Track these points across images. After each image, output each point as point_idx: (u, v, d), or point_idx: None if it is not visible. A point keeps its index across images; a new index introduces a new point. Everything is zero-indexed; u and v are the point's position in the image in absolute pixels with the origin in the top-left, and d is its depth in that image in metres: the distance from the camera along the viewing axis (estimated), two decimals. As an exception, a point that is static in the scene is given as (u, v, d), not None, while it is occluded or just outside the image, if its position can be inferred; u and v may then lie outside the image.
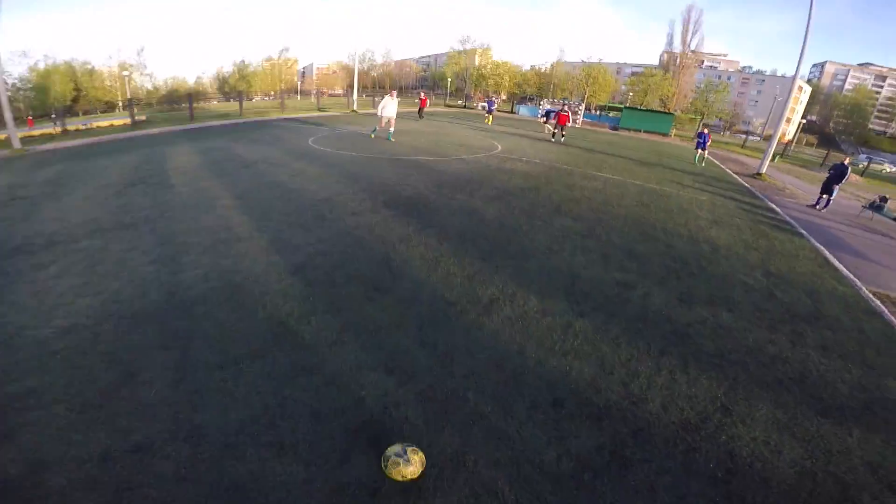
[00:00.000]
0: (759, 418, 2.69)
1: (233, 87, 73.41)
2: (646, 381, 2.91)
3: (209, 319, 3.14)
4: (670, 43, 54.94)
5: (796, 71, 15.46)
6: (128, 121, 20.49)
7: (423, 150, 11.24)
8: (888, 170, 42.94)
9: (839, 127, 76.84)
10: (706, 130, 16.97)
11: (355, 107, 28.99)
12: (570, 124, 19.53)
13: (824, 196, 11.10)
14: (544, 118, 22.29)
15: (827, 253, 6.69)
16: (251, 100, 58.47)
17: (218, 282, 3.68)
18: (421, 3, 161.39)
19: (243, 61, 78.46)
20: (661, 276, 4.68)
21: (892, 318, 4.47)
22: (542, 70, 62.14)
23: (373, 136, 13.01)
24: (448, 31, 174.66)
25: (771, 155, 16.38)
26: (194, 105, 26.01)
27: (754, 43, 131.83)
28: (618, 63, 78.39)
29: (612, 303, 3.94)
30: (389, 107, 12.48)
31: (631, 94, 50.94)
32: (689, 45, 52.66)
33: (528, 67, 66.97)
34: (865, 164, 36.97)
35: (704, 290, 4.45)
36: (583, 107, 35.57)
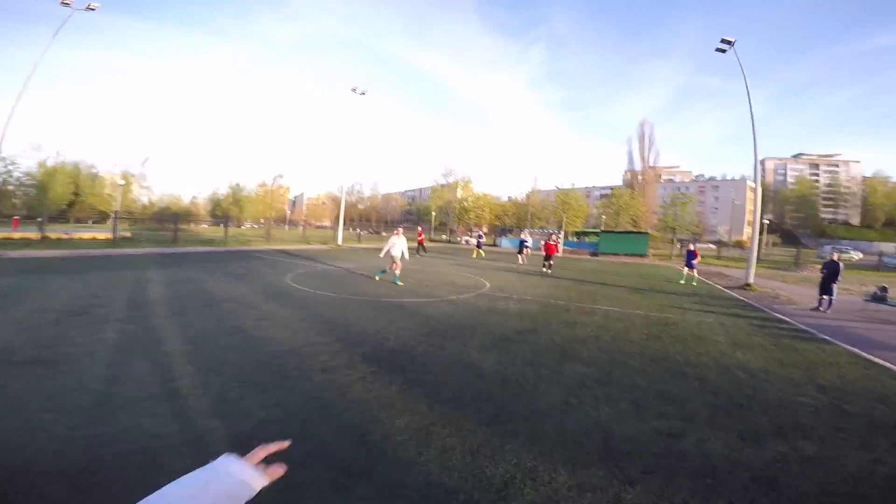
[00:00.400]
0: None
1: (225, 210, 73.97)
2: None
3: (98, 495, 2.37)
4: (631, 161, 60.53)
5: (756, 177, 16.60)
6: (111, 235, 20.13)
7: (407, 290, 10.73)
8: (856, 258, 44.30)
9: (795, 222, 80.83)
10: (692, 248, 17.13)
11: (340, 241, 29.84)
12: (557, 254, 19.64)
13: (824, 297, 10.86)
14: (518, 250, 22.56)
15: (864, 354, 6.36)
16: (240, 226, 58.53)
17: (129, 446, 2.88)
18: (406, 137, 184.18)
19: (238, 184, 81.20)
20: (707, 415, 3.87)
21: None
22: (519, 200, 65.32)
23: (401, 283, 11.48)
24: (430, 165, 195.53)
25: (754, 264, 16.55)
26: (183, 226, 26.07)
27: (697, 150, 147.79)
28: (587, 187, 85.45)
29: (663, 460, 3.05)
30: (398, 245, 11.53)
31: (604, 216, 53.99)
32: (647, 161, 58.03)
33: (506, 198, 71.16)
34: (846, 254, 38.43)
35: (765, 421, 3.76)
36: (562, 234, 37.24)
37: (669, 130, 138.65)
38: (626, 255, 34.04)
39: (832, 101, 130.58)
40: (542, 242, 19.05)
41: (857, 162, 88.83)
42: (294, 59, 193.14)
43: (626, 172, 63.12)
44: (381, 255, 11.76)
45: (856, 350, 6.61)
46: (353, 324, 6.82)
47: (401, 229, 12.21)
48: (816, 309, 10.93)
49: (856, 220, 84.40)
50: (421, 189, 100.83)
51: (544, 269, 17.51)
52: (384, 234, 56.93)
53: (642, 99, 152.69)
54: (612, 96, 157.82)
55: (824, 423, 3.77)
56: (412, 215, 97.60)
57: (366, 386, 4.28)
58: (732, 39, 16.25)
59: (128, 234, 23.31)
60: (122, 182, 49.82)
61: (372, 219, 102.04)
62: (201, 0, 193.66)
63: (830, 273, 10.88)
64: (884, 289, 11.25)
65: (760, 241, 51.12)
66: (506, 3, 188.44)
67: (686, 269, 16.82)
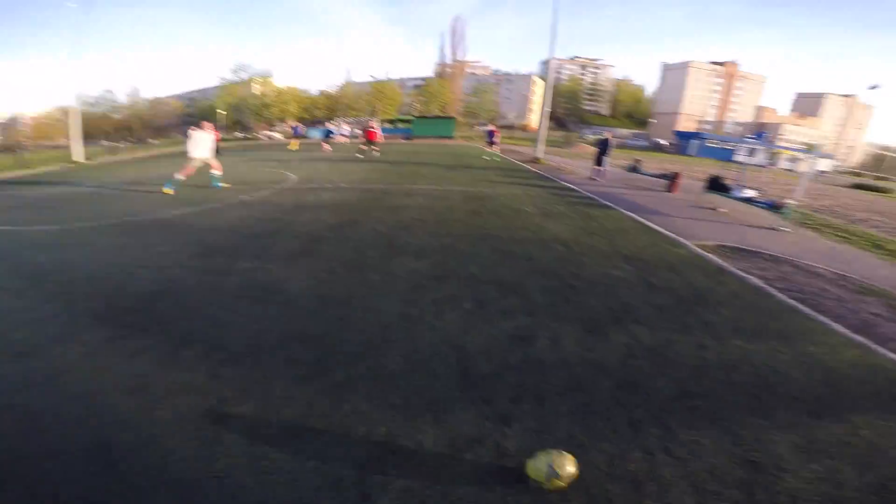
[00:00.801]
0: (782, 444, 2.12)
1: None
2: (651, 474, 1.91)
3: None
4: (442, 54, 61.70)
5: (550, 73, 17.92)
6: None
7: (180, 199, 8.08)
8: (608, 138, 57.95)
9: (565, 111, 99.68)
10: (494, 128, 18.78)
11: (81, 157, 21.84)
12: (379, 139, 19.48)
13: (598, 168, 12.94)
14: (323, 138, 22.57)
15: (640, 218, 7.31)
16: None
17: None
18: (187, 38, 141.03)
19: None
20: (547, 304, 3.65)
21: (738, 270, 4.83)
22: (332, 93, 61.39)
23: (170, 191, 8.67)
24: (218, 63, 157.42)
25: (543, 142, 18.78)
26: None
27: (494, 48, 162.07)
28: (401, 78, 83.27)
29: (527, 378, 2.60)
30: (203, 144, 8.91)
31: (416, 104, 54.73)
32: (457, 55, 59.92)
33: (318, 92, 65.15)
34: (593, 136, 49.03)
35: (597, 304, 3.69)
36: (377, 122, 36.44)
37: (473, 29, 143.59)
38: (436, 137, 36.13)
39: (601, 13, 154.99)
40: (362, 130, 19.43)
41: (613, 66, 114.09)
42: None
43: (437, 65, 64.29)
44: (191, 155, 8.88)
45: (633, 215, 7.61)
46: (81, 265, 4.51)
47: (206, 124, 9.28)
48: (592, 178, 13.02)
49: (606, 112, 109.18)
50: (204, 90, 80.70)
51: (359, 155, 17.64)
52: (153, 141, 44.94)
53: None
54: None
55: (644, 302, 3.77)
56: (193, 118, 78.64)
57: (97, 365, 2.67)
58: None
59: None
60: None
61: (135, 128, 78.83)
62: None
63: (603, 148, 13.05)
64: (638, 161, 14.41)
65: (543, 125, 60.76)
66: None
67: (489, 146, 18.44)
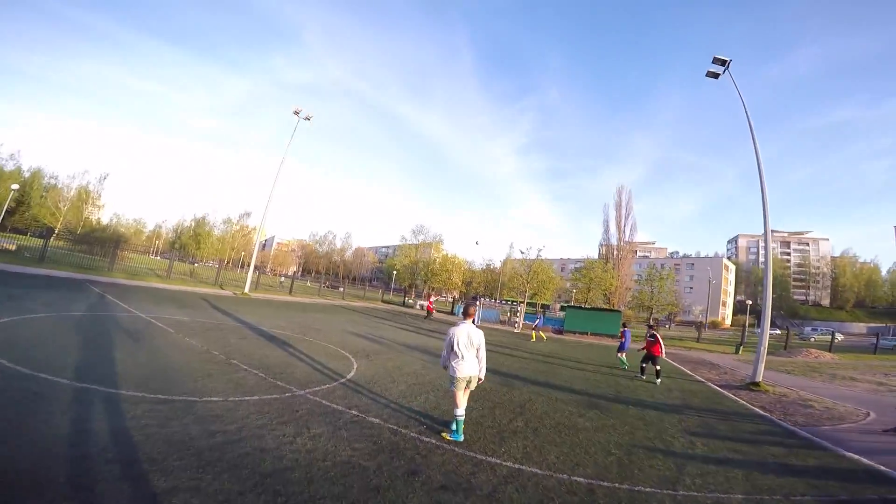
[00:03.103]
0: None
1: (183, 244, 72.69)
2: None
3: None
4: (606, 230, 52.88)
5: (768, 253, 12.66)
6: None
7: (190, 371, 5.75)
8: (840, 338, 40.90)
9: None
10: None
11: (247, 288, 24.56)
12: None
13: None
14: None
15: None
16: (194, 262, 53.82)
17: None
18: (388, 193, 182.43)
19: (205, 217, 77.16)
20: None
21: None
22: (493, 267, 58.82)
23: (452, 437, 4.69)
24: (404, 222, 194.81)
25: (764, 356, 11.88)
26: (120, 253, 24.75)
27: (670, 227, 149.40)
28: (561, 259, 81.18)
29: None
30: (470, 357, 4.82)
31: (574, 290, 49.18)
32: (623, 231, 51.17)
33: (483, 265, 62.84)
34: (829, 336, 34.98)
35: None
36: (522, 308, 31.39)
37: (645, 206, 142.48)
38: (594, 334, 29.29)
39: (799, 176, 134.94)
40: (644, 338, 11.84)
41: (826, 239, 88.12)
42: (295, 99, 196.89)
43: (601, 245, 56.69)
44: (460, 375, 4.77)
45: None
46: None
47: (478, 303, 4.99)
48: (893, 431, 6.89)
49: (826, 301, 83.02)
50: (394, 247, 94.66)
51: (642, 376, 11.42)
52: (341, 289, 49.67)
53: (621, 172, 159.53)
54: (593, 168, 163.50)
55: None
56: (382, 273, 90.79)
57: None
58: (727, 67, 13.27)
59: (11, 247, 22.39)
60: (16, 187, 43.97)
61: (340, 273, 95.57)
62: (218, 32, 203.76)
63: None
64: None
65: (740, 321, 45.15)
66: (503, 68, 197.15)
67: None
